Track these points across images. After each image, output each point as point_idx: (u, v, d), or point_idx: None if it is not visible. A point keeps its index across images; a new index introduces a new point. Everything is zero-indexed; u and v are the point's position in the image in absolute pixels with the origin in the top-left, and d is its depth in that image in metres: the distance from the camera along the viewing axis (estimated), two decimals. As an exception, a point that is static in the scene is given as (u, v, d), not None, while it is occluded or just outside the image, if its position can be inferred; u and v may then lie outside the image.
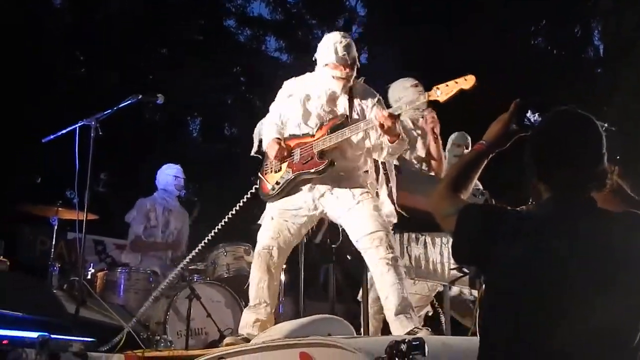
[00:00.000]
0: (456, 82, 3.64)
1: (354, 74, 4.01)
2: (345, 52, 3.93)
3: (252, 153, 4.32)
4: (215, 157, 12.24)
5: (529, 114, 2.14)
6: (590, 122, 1.98)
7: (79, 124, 4.70)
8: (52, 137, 4.90)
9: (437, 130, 4.97)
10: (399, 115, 3.86)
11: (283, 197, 4.00)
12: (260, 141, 4.23)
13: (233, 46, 13.64)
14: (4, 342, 3.81)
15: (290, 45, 14.05)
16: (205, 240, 4.55)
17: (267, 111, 4.27)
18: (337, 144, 3.90)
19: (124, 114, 5.07)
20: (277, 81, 4.27)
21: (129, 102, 4.83)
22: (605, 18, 11.74)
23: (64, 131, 4.83)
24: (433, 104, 4.15)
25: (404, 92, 4.80)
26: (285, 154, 3.99)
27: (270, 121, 4.19)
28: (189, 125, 13.88)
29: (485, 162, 2.20)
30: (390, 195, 4.12)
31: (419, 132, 4.97)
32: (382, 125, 3.76)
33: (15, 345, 3.82)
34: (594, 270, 1.78)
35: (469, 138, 5.41)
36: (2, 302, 3.80)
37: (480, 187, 4.56)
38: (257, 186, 4.18)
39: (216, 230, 4.42)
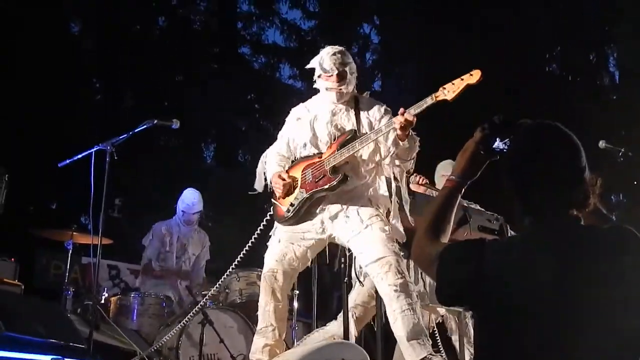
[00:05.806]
0: (462, 79, 3.55)
1: (348, 84, 3.92)
2: (332, 61, 3.87)
3: (257, 188, 4.24)
4: (230, 183, 12.27)
5: (494, 140, 2.01)
6: (564, 133, 1.88)
7: (95, 149, 4.73)
8: (68, 161, 4.91)
9: None
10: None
11: (299, 218, 3.91)
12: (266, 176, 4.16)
13: (248, 73, 13.75)
14: (17, 365, 3.82)
15: (303, 73, 14.13)
16: (225, 275, 4.58)
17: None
18: (348, 159, 3.83)
19: (140, 139, 5.09)
20: (291, 108, 4.24)
21: (145, 126, 4.84)
22: (622, 43, 11.75)
23: (79, 156, 4.86)
24: None
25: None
26: (290, 187, 3.93)
27: (274, 151, 4.14)
28: (204, 152, 13.98)
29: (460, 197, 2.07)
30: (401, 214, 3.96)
31: None
32: (405, 122, 3.59)
33: (28, 368, 3.82)
34: (587, 293, 1.71)
35: None
36: (16, 326, 3.79)
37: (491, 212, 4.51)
38: (271, 213, 4.10)
39: (234, 265, 4.39)
